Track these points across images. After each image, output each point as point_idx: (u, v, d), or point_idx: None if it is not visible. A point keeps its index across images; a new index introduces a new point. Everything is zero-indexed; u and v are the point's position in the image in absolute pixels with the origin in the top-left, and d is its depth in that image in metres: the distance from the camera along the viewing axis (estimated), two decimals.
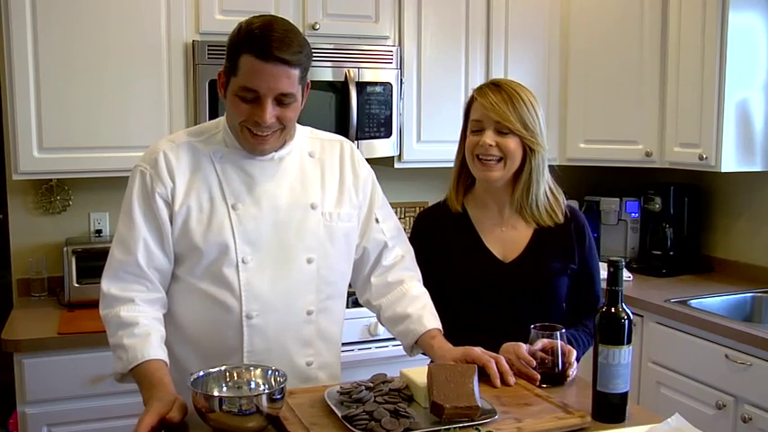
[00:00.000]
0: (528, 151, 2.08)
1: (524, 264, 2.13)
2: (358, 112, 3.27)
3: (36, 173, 3.01)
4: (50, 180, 3.28)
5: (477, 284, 2.12)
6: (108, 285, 1.85)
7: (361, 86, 3.29)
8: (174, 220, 1.84)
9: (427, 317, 2.01)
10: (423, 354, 2.04)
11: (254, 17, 1.80)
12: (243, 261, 1.85)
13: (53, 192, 3.32)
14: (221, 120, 1.94)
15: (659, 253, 3.76)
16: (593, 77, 3.68)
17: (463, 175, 2.20)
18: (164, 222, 1.84)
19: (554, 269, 2.13)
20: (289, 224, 1.90)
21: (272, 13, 3.11)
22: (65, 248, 3.10)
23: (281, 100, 1.78)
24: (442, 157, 3.53)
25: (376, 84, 3.33)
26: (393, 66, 3.37)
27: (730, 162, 3.29)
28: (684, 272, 3.71)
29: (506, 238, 2.16)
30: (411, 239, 2.25)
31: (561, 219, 2.15)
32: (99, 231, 3.37)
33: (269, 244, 1.88)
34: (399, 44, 3.44)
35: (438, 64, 3.52)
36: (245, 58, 1.73)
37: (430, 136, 3.54)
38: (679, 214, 3.76)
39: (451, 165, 3.53)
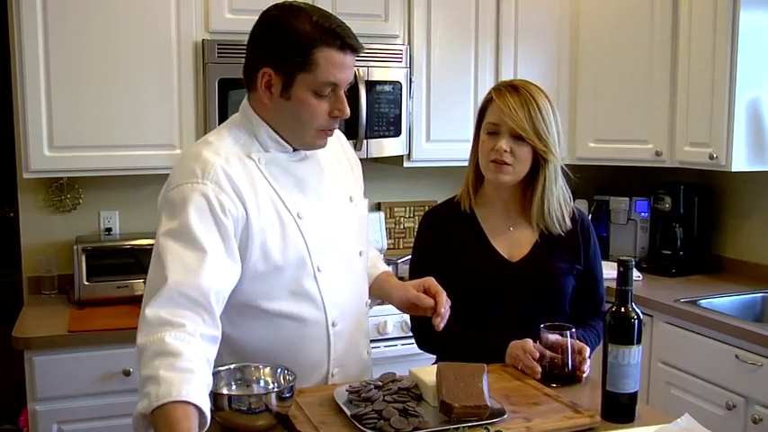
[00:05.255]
0: (541, 161, 2.06)
1: (531, 263, 2.12)
2: (367, 111, 3.26)
3: (46, 171, 3.01)
4: (61, 178, 3.29)
5: (483, 284, 2.12)
6: (155, 310, 1.53)
7: (371, 85, 3.28)
8: (249, 242, 1.68)
9: (380, 264, 2.09)
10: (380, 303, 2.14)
11: (282, 6, 1.72)
12: (318, 270, 1.78)
13: (63, 190, 3.33)
14: (236, 118, 1.82)
15: (669, 253, 3.75)
16: (603, 77, 3.67)
17: (477, 174, 2.18)
18: (230, 246, 1.64)
19: (560, 269, 2.13)
20: (339, 221, 1.86)
21: None
22: (75, 247, 3.11)
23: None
24: (452, 156, 3.55)
25: (385, 83, 3.33)
26: (402, 65, 3.37)
27: (741, 162, 3.28)
28: (694, 272, 3.70)
29: (513, 238, 2.15)
30: (418, 236, 2.26)
31: (569, 227, 2.14)
32: (109, 230, 3.37)
33: (332, 246, 1.83)
34: (409, 43, 3.44)
35: (447, 63, 3.51)
36: (325, 51, 1.65)
37: (439, 135, 3.54)
38: (689, 214, 3.75)
39: (460, 164, 3.56)
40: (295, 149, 1.81)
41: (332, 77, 1.68)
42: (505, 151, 2.03)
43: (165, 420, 1.39)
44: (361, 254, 1.92)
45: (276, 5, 1.74)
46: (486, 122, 2.09)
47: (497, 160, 2.05)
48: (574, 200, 2.22)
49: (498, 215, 2.17)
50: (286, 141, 1.79)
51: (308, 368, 1.81)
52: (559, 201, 2.13)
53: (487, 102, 2.11)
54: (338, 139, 1.99)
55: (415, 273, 2.15)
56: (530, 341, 1.94)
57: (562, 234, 2.13)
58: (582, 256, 2.16)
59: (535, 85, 2.10)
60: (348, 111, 1.75)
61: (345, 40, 1.68)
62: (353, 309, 1.89)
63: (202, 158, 1.69)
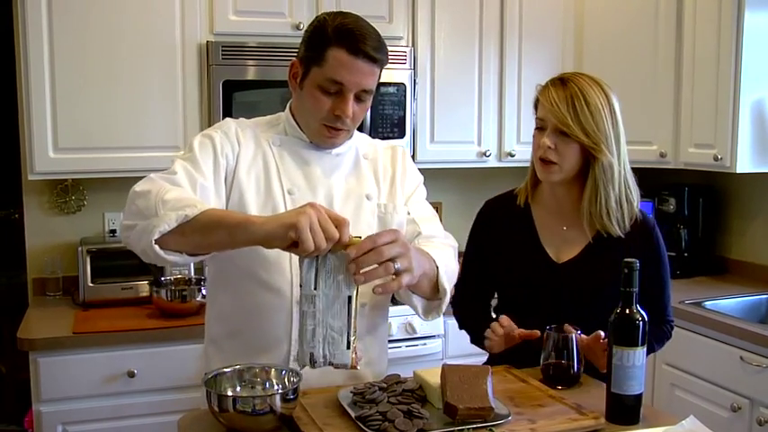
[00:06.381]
0: (591, 158, 2.00)
1: (576, 266, 2.05)
2: (371, 113, 3.26)
3: (51, 173, 3.02)
4: (65, 180, 3.29)
5: (524, 281, 2.08)
6: (163, 181, 1.71)
7: (375, 87, 3.27)
8: (231, 190, 1.83)
9: (436, 253, 1.84)
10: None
11: (331, 12, 1.85)
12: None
13: (68, 192, 3.34)
14: (281, 114, 1.95)
15: (673, 254, 3.69)
16: (607, 78, 3.51)
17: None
18: (221, 184, 1.81)
19: (607, 276, 1.99)
20: (343, 213, 1.82)
21: (286, 13, 3.14)
22: (80, 248, 3.12)
23: (360, 96, 1.81)
24: (456, 157, 3.57)
25: (389, 84, 3.32)
26: (407, 66, 3.37)
27: (745, 163, 3.26)
28: (699, 273, 3.69)
29: (565, 239, 2.09)
30: (473, 224, 2.23)
31: (627, 229, 2.04)
32: (113, 231, 3.38)
33: None
34: (413, 45, 3.44)
35: (451, 64, 3.51)
36: (336, 50, 1.75)
37: (443, 136, 3.54)
38: (693, 215, 3.74)
39: (464, 165, 3.62)
40: (311, 142, 1.90)
41: (337, 76, 1.76)
42: (549, 147, 1.98)
43: (218, 212, 1.61)
44: None
45: (328, 12, 1.87)
46: (536, 117, 2.06)
47: (543, 158, 2.01)
48: None
49: (552, 213, 2.12)
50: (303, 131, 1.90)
51: (266, 342, 1.83)
52: (620, 201, 2.03)
53: (538, 96, 2.07)
54: (397, 152, 2.04)
55: (466, 260, 2.16)
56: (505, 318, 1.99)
57: (622, 237, 2.04)
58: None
59: (591, 78, 2.04)
60: (349, 112, 1.79)
61: (358, 45, 1.75)
62: None
63: (225, 121, 1.94)
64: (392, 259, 1.57)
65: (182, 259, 1.65)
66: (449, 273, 1.85)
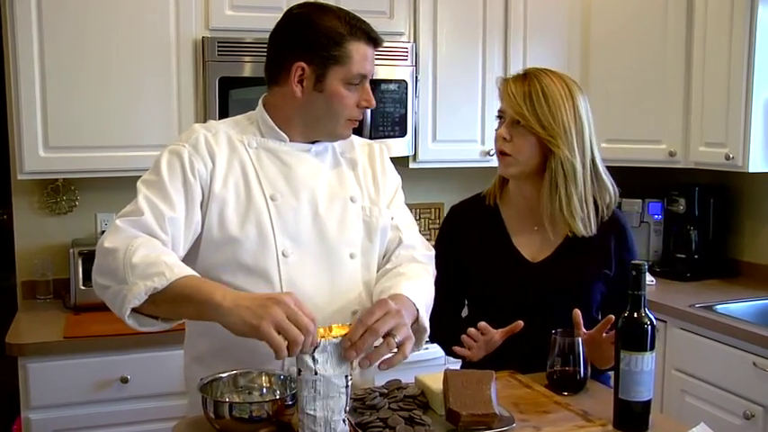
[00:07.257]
0: (549, 153, 1.98)
1: (553, 265, 2.04)
2: (372, 111, 3.21)
3: (42, 172, 2.99)
4: (56, 180, 3.26)
5: (501, 283, 2.05)
6: (128, 226, 1.66)
7: (375, 84, 3.23)
8: (208, 205, 1.76)
9: (405, 285, 1.80)
10: None
11: (304, 5, 1.85)
12: (283, 254, 1.78)
13: (59, 192, 3.30)
14: (252, 114, 1.91)
15: (683, 256, 3.70)
16: (615, 75, 3.64)
17: None
18: (194, 206, 1.74)
19: (585, 273, 2.03)
20: (329, 217, 1.84)
21: (283, 8, 3.06)
22: (71, 250, 3.07)
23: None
24: (458, 156, 3.57)
25: (390, 81, 3.29)
26: (408, 63, 3.34)
27: (758, 162, 3.23)
28: (710, 276, 3.65)
29: (537, 239, 2.08)
30: (440, 231, 2.22)
31: (592, 232, 2.02)
32: None
33: (310, 237, 1.82)
34: (414, 41, 3.41)
35: (454, 61, 3.48)
36: (355, 44, 1.77)
37: (445, 135, 3.51)
38: (704, 216, 3.70)
39: (467, 164, 3.59)
40: (292, 140, 1.86)
41: (362, 69, 1.79)
42: (504, 139, 1.99)
43: (187, 284, 1.54)
44: (352, 256, 1.85)
45: (299, 5, 1.86)
46: (497, 110, 2.07)
47: (499, 148, 2.02)
48: None
49: (523, 213, 2.10)
50: (303, 132, 1.86)
51: (261, 356, 1.73)
52: (585, 200, 2.01)
53: (499, 88, 2.09)
54: (374, 150, 2.02)
55: (437, 269, 2.07)
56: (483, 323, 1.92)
57: (592, 235, 2.02)
58: (613, 261, 2.05)
59: (556, 74, 2.03)
60: (374, 101, 1.85)
61: (371, 34, 1.80)
62: (328, 311, 1.80)
63: (192, 129, 1.86)
64: (390, 333, 1.57)
65: (158, 326, 1.64)
66: (427, 305, 1.83)
